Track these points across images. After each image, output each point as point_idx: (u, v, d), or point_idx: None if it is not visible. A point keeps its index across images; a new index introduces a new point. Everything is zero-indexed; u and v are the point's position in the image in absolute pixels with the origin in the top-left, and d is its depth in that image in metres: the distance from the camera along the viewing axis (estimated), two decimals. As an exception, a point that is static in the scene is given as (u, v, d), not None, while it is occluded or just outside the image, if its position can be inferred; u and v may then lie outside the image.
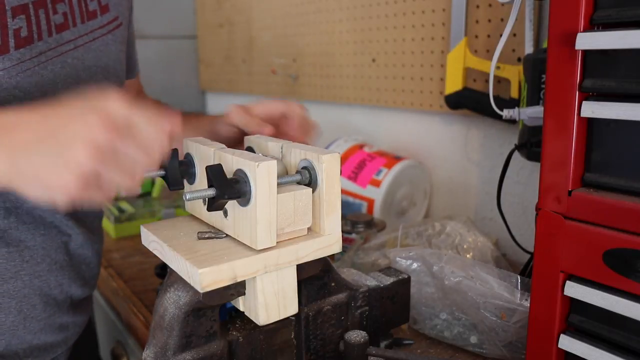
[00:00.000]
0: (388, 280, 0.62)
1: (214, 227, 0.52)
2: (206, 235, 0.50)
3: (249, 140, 0.58)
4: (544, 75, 0.69)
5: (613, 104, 0.41)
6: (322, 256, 0.51)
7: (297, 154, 0.51)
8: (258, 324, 0.50)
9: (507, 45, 0.83)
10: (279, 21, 1.44)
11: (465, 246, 0.78)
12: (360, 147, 1.07)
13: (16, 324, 0.61)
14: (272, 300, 0.49)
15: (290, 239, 0.49)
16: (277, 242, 0.47)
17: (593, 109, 0.42)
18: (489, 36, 0.92)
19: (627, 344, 0.44)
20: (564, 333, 0.47)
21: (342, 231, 0.53)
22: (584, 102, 0.43)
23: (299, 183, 0.50)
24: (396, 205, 1.03)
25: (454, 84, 0.95)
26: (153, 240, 0.52)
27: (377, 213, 0.98)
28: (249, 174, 0.45)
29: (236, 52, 1.67)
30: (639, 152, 0.42)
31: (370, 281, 0.61)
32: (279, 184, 0.47)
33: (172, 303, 0.48)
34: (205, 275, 0.44)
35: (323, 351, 0.57)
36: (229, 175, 0.46)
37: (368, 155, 1.04)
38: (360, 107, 1.24)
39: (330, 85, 1.30)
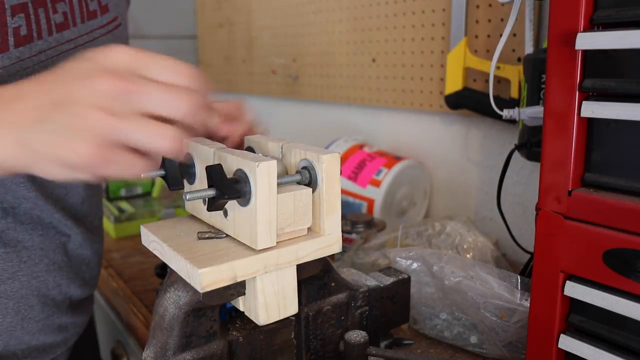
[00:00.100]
0: (388, 280, 0.62)
1: (214, 227, 0.52)
2: (206, 235, 0.50)
3: (248, 140, 0.58)
4: (544, 75, 0.69)
5: (613, 104, 0.41)
6: (322, 256, 0.51)
7: (297, 154, 0.51)
8: (258, 324, 0.50)
9: (507, 45, 0.83)
10: (279, 21, 1.44)
11: (465, 246, 0.78)
12: (360, 147, 1.07)
13: (14, 324, 0.61)
14: (272, 300, 0.49)
15: (290, 239, 0.49)
16: (277, 242, 0.47)
17: (593, 109, 0.42)
18: (489, 36, 0.92)
19: (627, 344, 0.44)
20: (564, 333, 0.47)
21: (342, 231, 0.53)
22: (584, 102, 0.43)
23: (298, 183, 0.50)
24: (396, 205, 1.03)
25: (454, 84, 0.95)
26: (153, 240, 0.52)
27: (377, 213, 0.98)
28: (249, 174, 0.45)
29: (236, 52, 1.67)
30: (639, 152, 0.42)
31: (370, 281, 0.61)
32: (278, 184, 0.47)
33: (172, 303, 0.48)
34: (205, 275, 0.44)
35: (323, 351, 0.57)
36: (229, 175, 0.46)
37: (368, 155, 1.04)
38: (360, 107, 1.24)
39: (330, 85, 1.30)
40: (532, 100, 0.71)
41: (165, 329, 0.48)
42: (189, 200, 0.45)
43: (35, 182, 0.60)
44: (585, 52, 0.42)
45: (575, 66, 0.43)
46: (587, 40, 0.41)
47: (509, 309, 0.60)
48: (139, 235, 0.56)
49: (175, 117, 0.39)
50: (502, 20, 0.89)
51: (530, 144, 0.73)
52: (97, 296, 1.05)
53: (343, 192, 1.00)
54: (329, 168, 0.49)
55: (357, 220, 0.90)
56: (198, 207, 0.54)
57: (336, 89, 1.28)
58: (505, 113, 0.72)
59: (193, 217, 0.56)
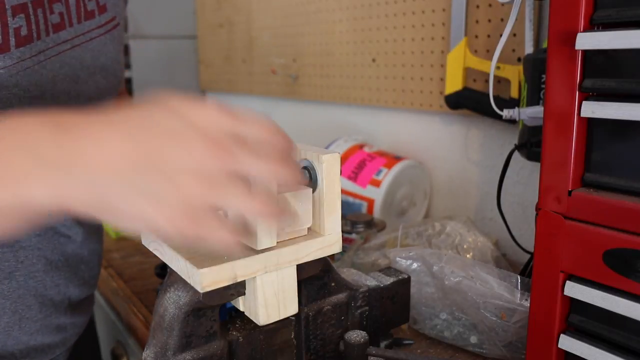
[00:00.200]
0: (388, 280, 0.62)
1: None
2: (206, 235, 0.50)
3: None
4: (544, 75, 0.69)
5: (613, 104, 0.41)
6: (322, 256, 0.51)
7: (297, 154, 0.51)
8: (258, 324, 0.50)
9: (507, 45, 0.83)
10: (279, 21, 1.44)
11: (465, 246, 0.78)
12: (360, 147, 1.07)
13: (11, 324, 0.60)
14: (272, 300, 0.49)
15: (290, 239, 0.49)
16: (277, 242, 0.47)
17: (593, 109, 0.42)
18: (489, 36, 0.92)
19: (627, 344, 0.44)
20: (564, 333, 0.47)
21: (342, 231, 0.53)
22: (584, 102, 0.43)
23: (298, 183, 0.50)
24: (396, 205, 1.03)
25: (454, 84, 0.95)
26: (153, 240, 0.52)
27: (377, 213, 0.98)
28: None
29: (236, 52, 1.67)
30: (639, 152, 0.42)
31: (370, 281, 0.61)
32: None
33: (172, 303, 0.48)
34: (205, 275, 0.44)
35: (323, 351, 0.57)
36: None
37: (368, 155, 1.04)
38: (360, 107, 1.24)
39: (330, 85, 1.30)
40: (532, 100, 0.71)
41: (165, 329, 0.48)
42: None
43: None
44: (585, 52, 0.42)
45: (575, 66, 0.43)
46: (587, 40, 0.41)
47: (509, 309, 0.60)
48: (139, 235, 0.55)
49: (265, 180, 0.38)
50: (502, 20, 0.89)
51: (530, 144, 0.73)
52: (97, 296, 1.05)
53: (343, 192, 1.00)
54: (329, 168, 0.49)
55: (357, 220, 0.90)
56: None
57: (336, 89, 1.28)
58: (505, 113, 0.72)
59: (193, 217, 0.56)
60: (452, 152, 1.05)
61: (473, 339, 0.64)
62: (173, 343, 0.47)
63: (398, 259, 0.69)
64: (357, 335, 0.54)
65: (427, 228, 0.82)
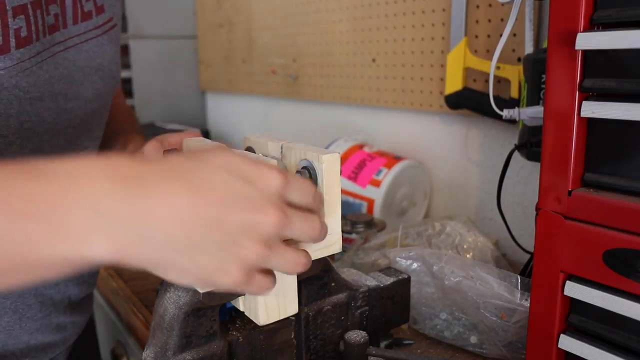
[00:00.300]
0: (388, 280, 0.62)
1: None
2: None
3: (248, 140, 0.58)
4: (544, 75, 0.69)
5: (613, 104, 0.41)
6: (322, 256, 0.51)
7: (297, 154, 0.51)
8: (258, 324, 0.50)
9: (507, 45, 0.83)
10: (279, 21, 1.44)
11: (465, 246, 0.78)
12: (360, 147, 1.07)
13: (12, 324, 0.61)
14: (272, 300, 0.49)
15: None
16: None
17: (593, 109, 0.42)
18: (489, 36, 0.92)
19: (627, 344, 0.44)
20: (564, 333, 0.47)
21: (342, 231, 0.53)
22: (584, 102, 0.43)
23: (299, 183, 0.50)
24: (396, 205, 1.03)
25: (453, 84, 0.95)
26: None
27: (377, 213, 0.98)
28: None
29: (236, 52, 1.67)
30: (639, 152, 0.42)
31: (370, 281, 0.61)
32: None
33: (172, 303, 0.48)
34: (205, 275, 0.44)
35: (323, 351, 0.57)
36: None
37: (368, 155, 1.04)
38: (360, 107, 1.24)
39: (330, 85, 1.30)
40: (532, 100, 0.71)
41: (165, 329, 0.48)
42: None
43: None
44: (585, 52, 0.42)
45: (575, 66, 0.43)
46: (587, 40, 0.41)
47: (508, 309, 0.60)
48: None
49: (308, 242, 0.43)
50: (502, 20, 0.89)
51: (530, 144, 0.73)
52: (97, 296, 1.05)
53: (343, 192, 1.00)
54: (329, 168, 0.49)
55: (357, 220, 0.90)
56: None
57: (336, 89, 1.28)
58: (505, 113, 0.72)
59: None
60: (452, 152, 1.05)
61: (473, 339, 0.64)
62: (173, 343, 0.47)
63: (398, 259, 0.69)
64: (357, 335, 0.54)
65: (427, 228, 0.82)
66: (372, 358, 0.55)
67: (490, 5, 0.90)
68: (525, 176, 0.92)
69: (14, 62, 0.52)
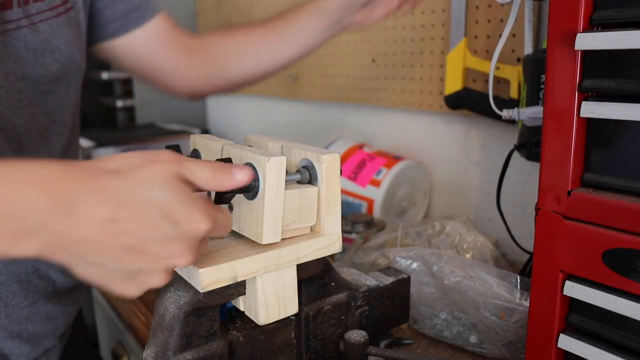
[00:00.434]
0: (388, 280, 0.62)
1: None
2: (206, 235, 0.50)
3: (248, 140, 0.58)
4: (543, 76, 0.69)
5: (613, 104, 0.41)
6: (322, 256, 0.51)
7: (297, 154, 0.51)
8: (258, 323, 0.50)
9: (507, 45, 0.83)
10: (279, 21, 1.43)
11: (464, 246, 0.78)
12: (360, 147, 1.07)
13: None
14: (272, 300, 0.49)
15: (292, 237, 0.50)
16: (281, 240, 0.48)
17: (593, 109, 0.42)
18: (488, 37, 0.92)
19: (627, 344, 0.44)
20: (564, 333, 0.47)
21: (342, 231, 0.53)
22: (583, 102, 0.43)
23: (298, 182, 0.50)
24: (396, 205, 1.03)
25: (453, 84, 0.95)
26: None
27: (377, 213, 0.98)
28: (258, 169, 0.45)
29: (236, 53, 1.66)
30: (639, 152, 0.42)
31: (370, 281, 0.61)
32: (280, 183, 0.47)
33: (172, 303, 0.48)
34: (205, 275, 0.44)
35: (323, 351, 0.57)
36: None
37: (368, 155, 1.04)
38: (360, 107, 1.24)
39: (330, 85, 1.30)
40: (532, 101, 0.71)
41: (166, 329, 0.48)
42: None
43: None
44: (585, 52, 0.42)
45: (574, 66, 0.43)
46: (587, 41, 0.41)
47: (508, 308, 0.60)
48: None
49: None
50: (501, 20, 0.89)
51: (530, 144, 0.73)
52: (97, 296, 1.05)
53: (343, 192, 1.00)
54: (329, 168, 0.49)
55: (357, 220, 0.90)
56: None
57: (336, 89, 1.28)
58: (505, 113, 0.72)
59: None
60: (451, 152, 1.05)
61: (473, 339, 0.65)
62: (173, 343, 0.47)
63: (398, 258, 0.69)
64: (357, 335, 0.54)
65: (426, 228, 0.82)
66: (372, 358, 0.55)
67: (489, 5, 0.90)
68: (525, 176, 0.92)
69: None
